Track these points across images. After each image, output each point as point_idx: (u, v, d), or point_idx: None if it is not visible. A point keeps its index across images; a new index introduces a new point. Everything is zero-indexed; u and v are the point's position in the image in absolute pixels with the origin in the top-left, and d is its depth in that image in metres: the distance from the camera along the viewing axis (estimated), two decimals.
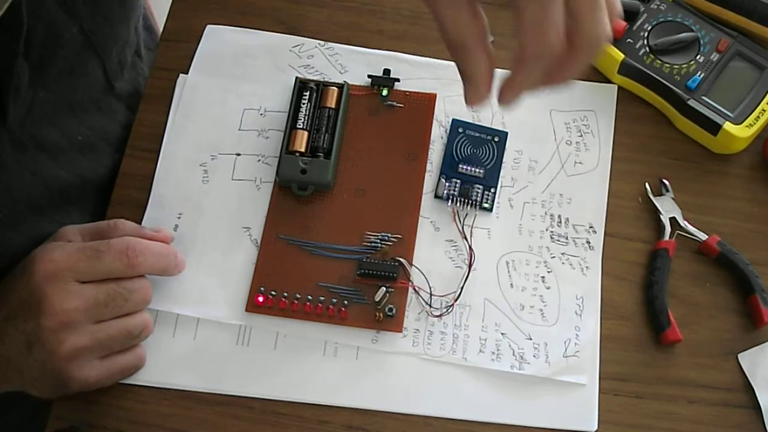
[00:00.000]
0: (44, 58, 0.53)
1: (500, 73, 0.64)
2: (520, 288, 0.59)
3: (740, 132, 0.60)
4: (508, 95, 0.45)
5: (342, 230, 0.59)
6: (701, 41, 0.63)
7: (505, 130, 0.63)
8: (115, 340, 0.52)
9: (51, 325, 0.49)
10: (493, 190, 0.61)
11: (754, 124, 0.60)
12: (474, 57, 0.44)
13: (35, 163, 0.55)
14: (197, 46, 0.65)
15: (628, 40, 0.63)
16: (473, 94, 0.46)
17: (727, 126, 0.60)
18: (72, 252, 0.51)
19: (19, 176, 0.54)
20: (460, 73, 0.46)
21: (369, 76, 0.64)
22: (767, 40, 0.63)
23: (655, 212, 0.61)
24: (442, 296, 0.58)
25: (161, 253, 0.54)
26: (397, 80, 0.64)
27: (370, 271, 0.57)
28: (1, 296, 0.51)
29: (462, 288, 0.58)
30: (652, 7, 0.64)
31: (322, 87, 0.62)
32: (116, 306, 0.51)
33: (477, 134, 0.62)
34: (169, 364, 0.56)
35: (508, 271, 0.59)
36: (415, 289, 0.58)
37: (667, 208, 0.61)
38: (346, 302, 0.57)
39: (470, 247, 0.59)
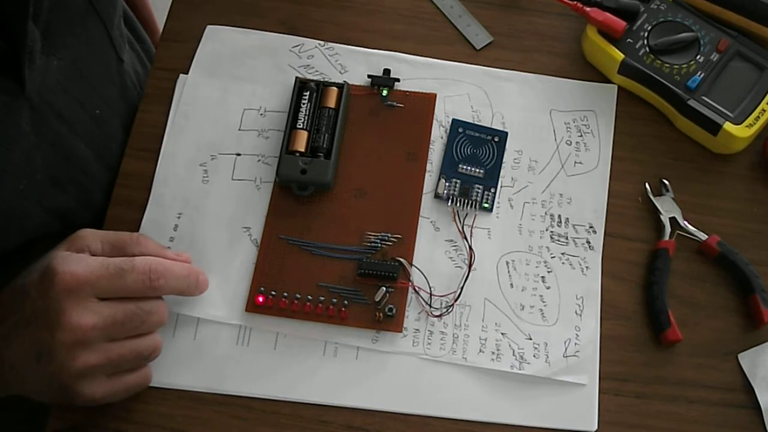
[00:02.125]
0: (52, 22, 0.54)
1: (500, 73, 0.65)
2: (520, 288, 0.59)
3: (740, 132, 0.60)
4: None
5: (342, 230, 0.59)
6: (701, 41, 0.63)
7: (505, 130, 0.63)
8: (126, 359, 0.52)
9: (66, 340, 0.48)
10: (493, 190, 0.61)
11: (754, 124, 0.60)
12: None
13: (55, 134, 0.56)
14: (197, 46, 0.65)
15: (628, 40, 0.63)
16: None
17: (727, 126, 0.60)
18: (95, 267, 0.50)
19: (38, 146, 0.54)
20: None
21: (369, 76, 0.64)
22: (767, 40, 0.63)
23: (655, 212, 0.61)
24: (442, 296, 0.58)
25: (182, 275, 0.54)
26: (397, 80, 0.64)
27: (370, 271, 0.57)
28: (14, 297, 0.51)
29: (462, 288, 0.58)
30: (652, 7, 0.64)
31: (322, 87, 0.62)
32: (132, 327, 0.51)
33: (477, 134, 0.62)
34: (169, 364, 0.56)
35: (508, 271, 0.59)
36: (415, 289, 0.58)
37: (667, 208, 0.61)
38: (346, 302, 0.57)
39: (470, 247, 0.59)
